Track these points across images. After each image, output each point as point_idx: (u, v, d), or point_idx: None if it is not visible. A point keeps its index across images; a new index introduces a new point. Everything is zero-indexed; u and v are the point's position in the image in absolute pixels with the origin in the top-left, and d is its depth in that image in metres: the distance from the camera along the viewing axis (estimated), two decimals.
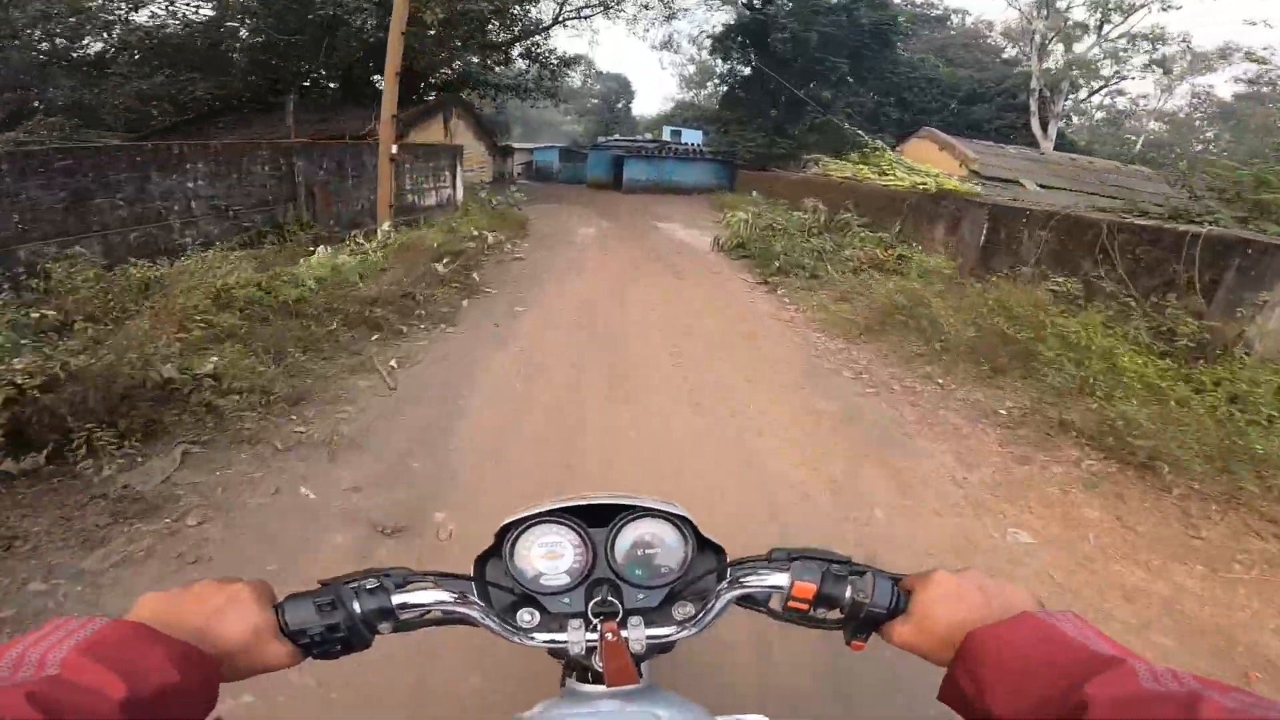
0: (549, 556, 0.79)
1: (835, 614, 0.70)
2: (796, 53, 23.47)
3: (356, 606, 0.66)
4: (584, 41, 64.42)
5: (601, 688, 0.71)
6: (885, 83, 25.89)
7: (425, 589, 0.71)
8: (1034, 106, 25.21)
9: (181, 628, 0.57)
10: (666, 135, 35.91)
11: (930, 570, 0.67)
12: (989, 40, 39.81)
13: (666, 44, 42.10)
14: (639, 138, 43.43)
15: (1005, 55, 34.39)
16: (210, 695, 0.55)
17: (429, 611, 0.71)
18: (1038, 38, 25.21)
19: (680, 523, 0.80)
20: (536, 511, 0.79)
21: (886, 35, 24.25)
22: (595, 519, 0.81)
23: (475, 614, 0.72)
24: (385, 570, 0.71)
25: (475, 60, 26.87)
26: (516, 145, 49.90)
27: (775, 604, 0.73)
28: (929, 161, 16.17)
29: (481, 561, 0.82)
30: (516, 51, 25.67)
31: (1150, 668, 0.46)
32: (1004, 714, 0.51)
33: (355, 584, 0.68)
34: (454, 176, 14.69)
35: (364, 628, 0.67)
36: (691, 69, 70.72)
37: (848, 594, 0.67)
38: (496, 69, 27.03)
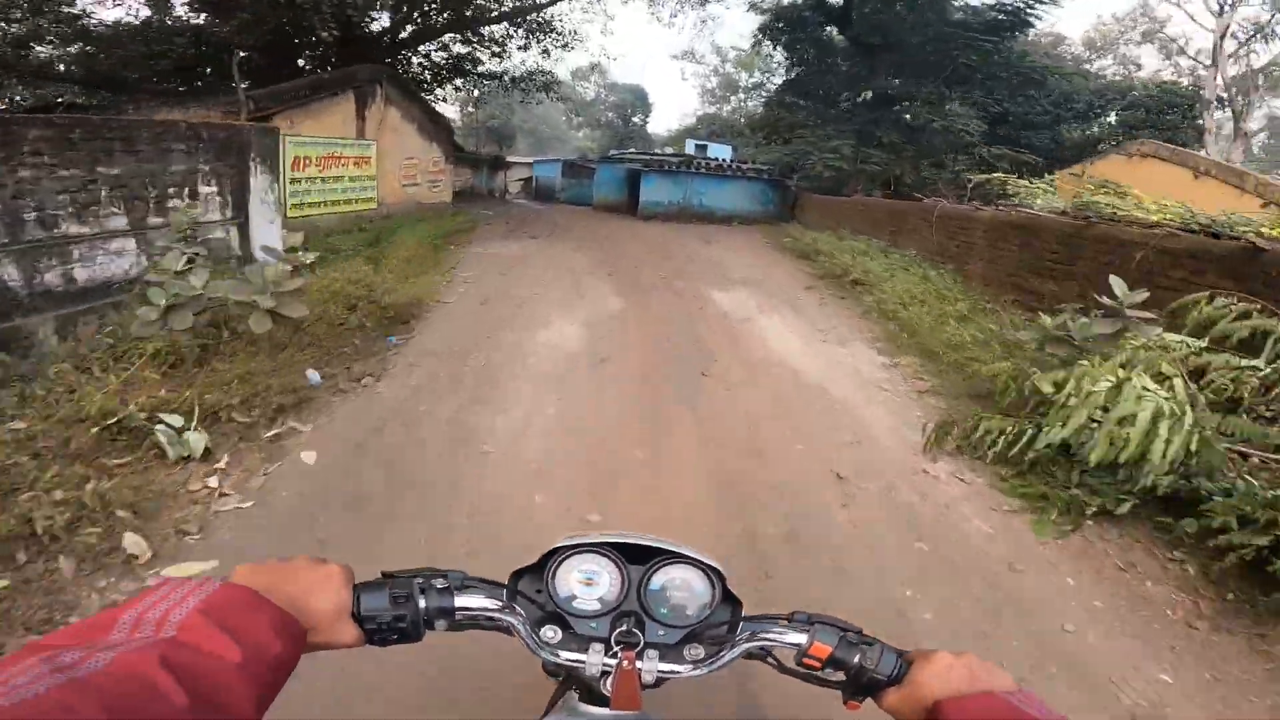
0: (586, 583, 0.83)
1: (839, 676, 0.75)
2: (889, 39, 16.44)
3: (423, 602, 0.72)
4: (596, 28, 57.29)
5: (604, 710, 0.71)
6: (999, 85, 18.67)
7: (479, 594, 0.77)
8: (1209, 121, 18.06)
9: (279, 596, 0.59)
10: (690, 150, 28.79)
11: (934, 650, 0.71)
12: (1071, 49, 33.25)
13: (689, 52, 35.02)
14: (658, 151, 36.20)
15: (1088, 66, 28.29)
16: (295, 662, 0.58)
17: (478, 616, 0.77)
18: (1224, 39, 18.03)
19: (712, 573, 0.83)
20: (584, 542, 0.82)
21: (1013, 24, 17.10)
22: (634, 556, 0.84)
23: (516, 623, 0.78)
24: (444, 571, 0.77)
25: (453, 36, 20.13)
26: (514, 159, 43.17)
27: (786, 658, 0.79)
28: (1156, 188, 8.94)
29: (518, 575, 0.84)
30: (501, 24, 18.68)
31: None
32: None
33: (423, 580, 0.74)
34: (238, 197, 6.66)
35: (423, 623, 0.72)
36: (714, 81, 64.63)
37: (856, 660, 0.73)
38: (479, 46, 20.20)
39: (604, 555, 0.84)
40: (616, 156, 28.20)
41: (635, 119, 63.88)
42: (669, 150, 35.98)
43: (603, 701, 0.75)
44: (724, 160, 23.61)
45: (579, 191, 30.81)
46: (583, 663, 0.77)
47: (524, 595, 0.84)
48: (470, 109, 74.67)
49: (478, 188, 29.49)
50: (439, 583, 0.74)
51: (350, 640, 0.68)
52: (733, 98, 61.70)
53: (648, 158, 26.10)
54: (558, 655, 0.78)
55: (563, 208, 25.74)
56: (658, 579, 0.84)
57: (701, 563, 0.83)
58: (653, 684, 0.78)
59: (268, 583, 0.61)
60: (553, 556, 0.83)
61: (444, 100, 25.22)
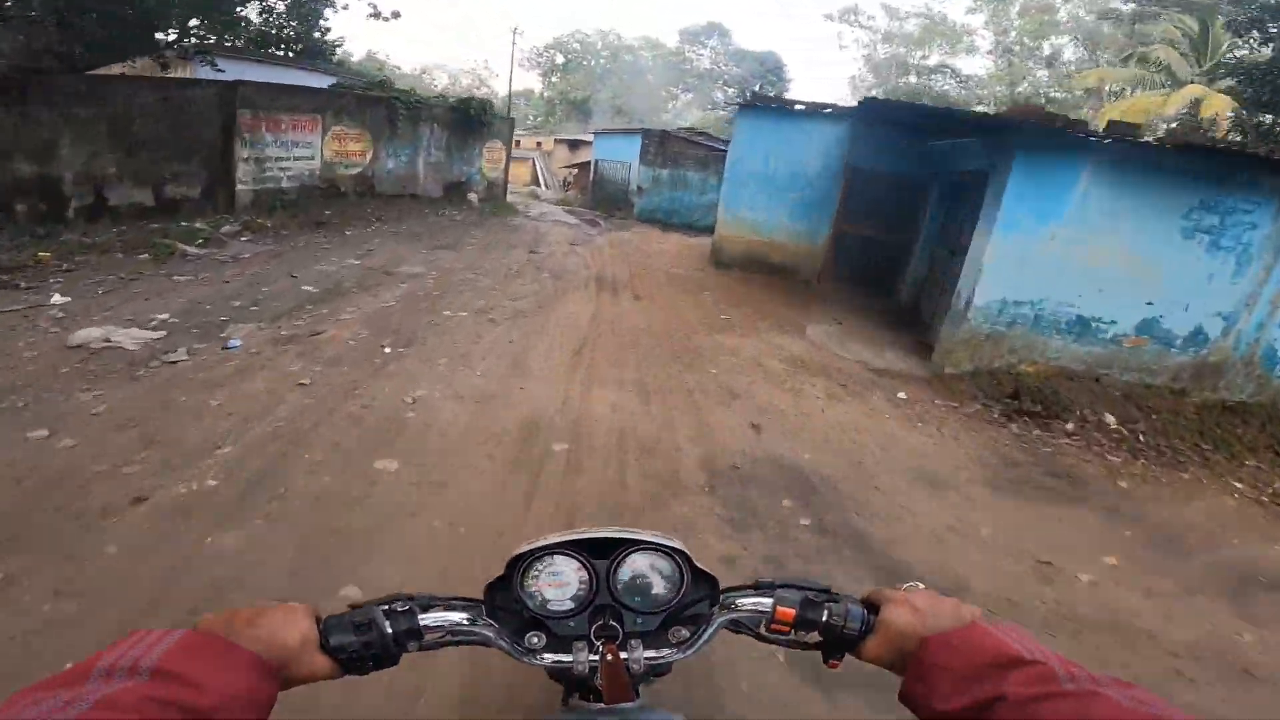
0: (555, 585, 0.84)
1: (814, 637, 0.77)
2: None
3: (388, 627, 0.72)
4: None
5: (601, 705, 0.76)
6: None
7: (448, 611, 0.78)
8: None
9: (246, 639, 0.60)
10: None
11: (891, 590, 0.75)
12: None
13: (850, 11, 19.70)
14: None
15: None
16: (272, 700, 0.58)
17: (450, 632, 0.77)
18: None
19: (677, 555, 0.84)
20: (544, 544, 0.83)
21: None
22: (598, 551, 0.85)
23: (491, 635, 0.80)
24: (411, 594, 0.77)
25: None
26: (566, 137, 26.55)
27: (761, 628, 0.80)
28: None
29: (492, 588, 0.85)
30: None
31: (1069, 671, 0.53)
32: (943, 708, 0.57)
33: (387, 606, 0.73)
34: None
35: (394, 646, 0.72)
36: (883, 50, 46.08)
37: (824, 617, 0.74)
38: None
39: (565, 554, 0.84)
40: (776, 107, 10.57)
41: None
42: None
43: (602, 698, 0.76)
44: None
45: (678, 202, 13.51)
46: (569, 662, 0.78)
47: (500, 607, 0.84)
48: (552, 77, 59.54)
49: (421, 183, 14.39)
50: (400, 605, 0.74)
51: (325, 671, 0.68)
52: (905, 78, 43.48)
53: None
54: (544, 659, 0.80)
55: (650, 238, 14.32)
56: (624, 569, 0.84)
57: (664, 546, 0.84)
58: (643, 673, 0.79)
59: (234, 627, 0.62)
60: (516, 564, 0.83)
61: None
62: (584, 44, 60.99)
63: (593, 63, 59.62)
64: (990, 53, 39.85)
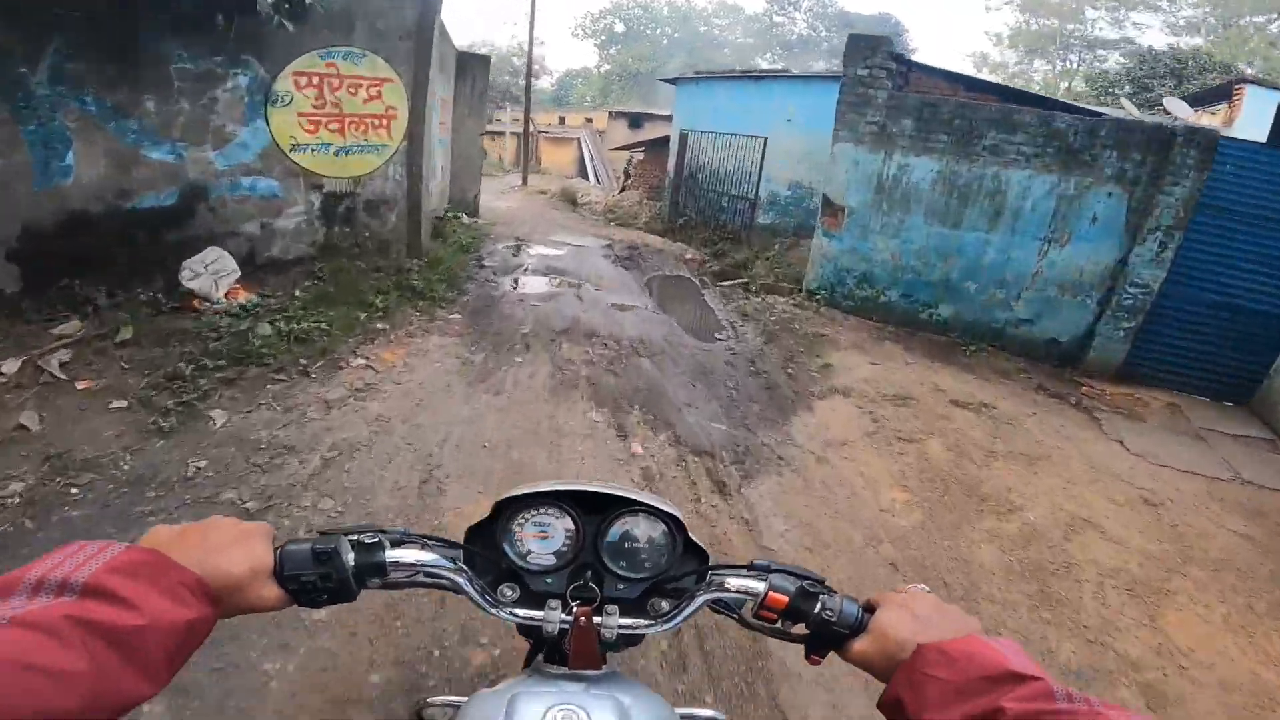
0: (540, 536, 0.80)
1: (800, 628, 0.72)
2: None
3: (350, 559, 0.65)
4: None
5: (566, 669, 0.73)
6: None
7: (416, 549, 0.71)
8: None
9: (189, 559, 0.56)
10: None
11: (892, 593, 0.70)
12: None
13: None
14: None
15: None
16: (208, 627, 0.56)
17: (417, 573, 0.71)
18: None
19: (671, 523, 0.80)
20: (535, 491, 0.79)
21: None
22: (590, 507, 0.81)
23: (461, 581, 0.73)
24: (383, 528, 0.71)
25: None
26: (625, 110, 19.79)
27: (746, 612, 0.75)
28: None
29: (474, 531, 0.82)
30: None
31: (1067, 691, 0.51)
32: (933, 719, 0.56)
33: (354, 536, 0.68)
34: None
35: (353, 581, 0.66)
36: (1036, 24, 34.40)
37: (815, 610, 0.69)
38: None
39: (556, 506, 0.80)
40: None
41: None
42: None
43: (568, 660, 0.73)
44: None
45: (939, 247, 6.30)
46: (540, 620, 0.74)
47: (480, 553, 0.79)
48: (610, 49, 50.12)
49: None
50: (368, 538, 0.68)
51: (273, 602, 0.63)
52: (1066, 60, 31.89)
53: None
54: (514, 614, 0.75)
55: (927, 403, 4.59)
56: (615, 530, 0.81)
57: (660, 511, 0.80)
58: (614, 640, 0.75)
59: (178, 545, 0.58)
60: (503, 509, 0.79)
61: None
62: (648, 9, 51.57)
63: (658, 31, 50.73)
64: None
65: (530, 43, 17.78)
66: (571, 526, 0.79)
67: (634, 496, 0.80)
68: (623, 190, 15.26)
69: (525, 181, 18.03)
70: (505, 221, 10.32)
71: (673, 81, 12.32)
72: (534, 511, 0.79)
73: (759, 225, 9.69)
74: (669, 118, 24.60)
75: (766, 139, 9.00)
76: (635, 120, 25.22)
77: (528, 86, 18.51)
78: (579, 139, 24.30)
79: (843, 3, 45.78)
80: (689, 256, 8.85)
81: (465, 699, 0.74)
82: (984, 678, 0.54)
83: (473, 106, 8.84)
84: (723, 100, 10.89)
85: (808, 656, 0.72)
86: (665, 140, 13.74)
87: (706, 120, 10.95)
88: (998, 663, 0.55)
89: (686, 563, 0.81)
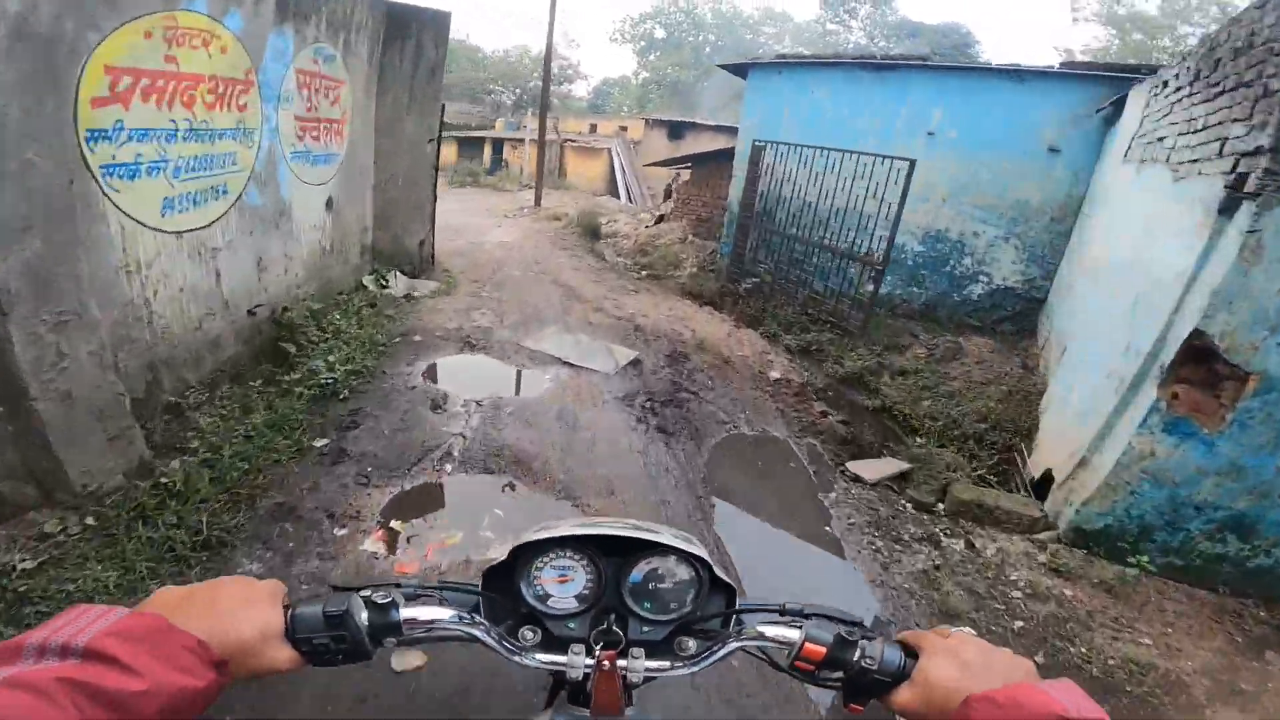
0: (559, 580, 0.77)
1: (837, 674, 0.68)
2: None
3: (364, 619, 0.63)
4: None
5: (588, 715, 0.72)
6: None
7: (432, 604, 0.70)
8: None
9: (195, 623, 0.55)
10: None
11: (933, 632, 0.67)
12: None
13: None
14: None
15: None
16: (214, 692, 0.54)
17: (434, 627, 0.69)
18: None
19: (696, 563, 0.77)
20: (552, 536, 0.76)
21: None
22: (611, 548, 0.78)
23: (478, 633, 0.71)
24: (396, 580, 0.69)
25: None
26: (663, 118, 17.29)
27: (780, 658, 0.72)
28: None
29: (490, 575, 0.78)
30: None
31: None
32: None
33: (367, 594, 0.66)
34: None
35: (368, 642, 0.64)
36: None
37: (854, 658, 0.66)
38: None
39: (577, 550, 0.76)
40: None
41: None
42: None
43: (589, 702, 0.71)
44: None
45: None
46: (564, 665, 0.72)
47: (498, 598, 0.77)
48: (650, 55, 47.05)
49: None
50: (380, 596, 0.65)
51: (286, 664, 0.61)
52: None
53: None
54: (535, 659, 0.73)
55: None
56: (637, 570, 0.77)
57: (684, 552, 0.76)
58: (640, 683, 0.73)
59: (185, 609, 0.56)
60: (521, 554, 0.76)
61: None
62: (690, 14, 48.73)
63: (700, 38, 47.78)
64: None
65: (550, 27, 14.35)
66: (592, 569, 0.76)
67: (657, 539, 0.76)
68: (660, 220, 11.67)
69: (539, 202, 14.53)
70: (477, 279, 6.80)
71: (739, 69, 8.58)
72: (553, 555, 0.76)
73: (864, 299, 6.00)
74: (719, 129, 20.89)
75: (913, 162, 5.30)
76: (676, 129, 21.68)
77: (545, 85, 15.05)
78: (610, 149, 20.84)
79: (905, 10, 41.96)
80: (775, 374, 5.13)
81: None
82: None
83: (416, 95, 5.36)
84: (822, 99, 7.23)
85: (847, 704, 0.68)
86: (718, 156, 10.09)
87: (793, 127, 7.29)
88: (1052, 710, 0.52)
89: (713, 601, 0.78)
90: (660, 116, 22.98)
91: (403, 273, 5.66)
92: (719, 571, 0.77)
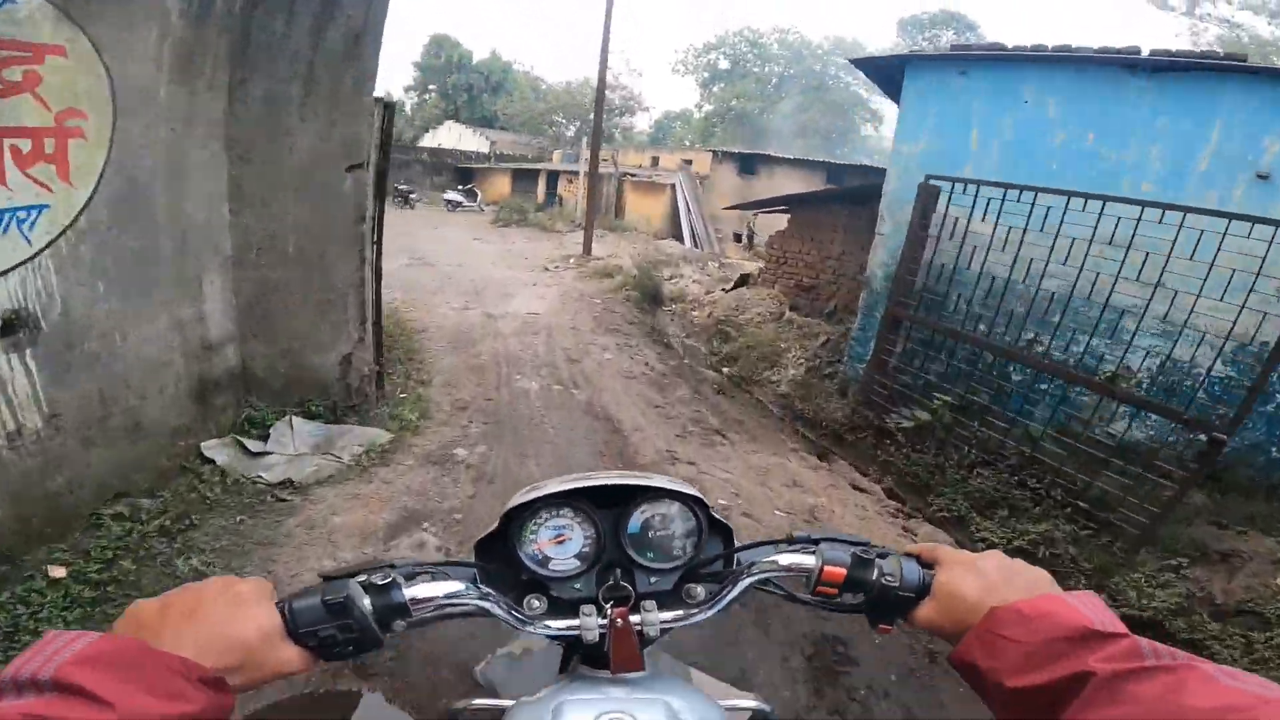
0: (557, 541, 0.74)
1: (857, 597, 0.67)
2: None
3: (367, 604, 0.58)
4: None
5: (608, 674, 0.68)
6: None
7: (435, 580, 0.65)
8: None
9: (176, 639, 0.49)
10: None
11: (951, 549, 0.66)
12: None
13: None
14: None
15: None
16: (217, 712, 0.48)
17: (441, 606, 0.64)
18: None
19: (693, 503, 0.75)
20: (542, 494, 0.73)
21: None
22: (603, 500, 0.75)
23: (488, 605, 0.67)
24: (389, 561, 0.64)
25: None
26: (733, 150, 19.19)
27: (798, 588, 0.71)
28: None
29: (483, 545, 0.74)
30: None
31: (1153, 645, 0.49)
32: (1015, 684, 0.52)
33: (364, 578, 0.61)
34: None
35: (377, 627, 0.59)
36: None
37: (874, 576, 0.64)
38: None
39: (569, 507, 0.74)
40: None
41: None
42: None
43: (607, 662, 0.68)
44: None
45: None
46: (577, 629, 0.68)
47: (495, 566, 0.73)
48: (714, 86, 45.36)
49: None
50: (379, 577, 0.60)
51: (296, 664, 0.55)
52: None
53: None
54: (547, 626, 0.69)
55: None
56: (634, 520, 0.75)
57: (679, 493, 0.75)
58: (657, 636, 0.70)
59: (163, 626, 0.50)
60: (512, 519, 0.72)
61: None
62: (755, 44, 46.85)
63: (766, 69, 45.70)
64: None
65: (604, 47, 12.01)
66: (589, 524, 0.74)
67: (648, 483, 0.74)
68: (742, 282, 8.92)
69: (588, 250, 12.03)
70: (465, 400, 4.21)
71: (898, 63, 5.52)
72: (545, 515, 0.73)
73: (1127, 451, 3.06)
74: (798, 163, 18.11)
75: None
76: (747, 163, 19.07)
77: (599, 100, 12.62)
78: (673, 185, 18.39)
79: (991, 37, 38.36)
80: None
81: (501, 703, 0.72)
82: (1066, 638, 0.51)
83: (319, 85, 2.78)
84: (1043, 114, 4.40)
85: (874, 626, 0.67)
86: (833, 199, 7.35)
87: (989, 158, 4.49)
88: (1079, 622, 0.52)
89: (713, 544, 0.77)
90: (729, 149, 20.45)
91: (309, 415, 3.12)
92: (715, 513, 0.75)
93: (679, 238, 17.34)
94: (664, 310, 8.27)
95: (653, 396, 4.90)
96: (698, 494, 0.74)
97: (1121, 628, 0.51)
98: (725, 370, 5.94)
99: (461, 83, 41.61)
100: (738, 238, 18.51)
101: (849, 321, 6.19)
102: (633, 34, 65.24)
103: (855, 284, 6.62)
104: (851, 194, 6.49)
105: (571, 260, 11.29)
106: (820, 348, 6.06)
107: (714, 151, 20.09)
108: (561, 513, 0.73)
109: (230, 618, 0.52)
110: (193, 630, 0.49)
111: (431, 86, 42.97)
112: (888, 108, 37.54)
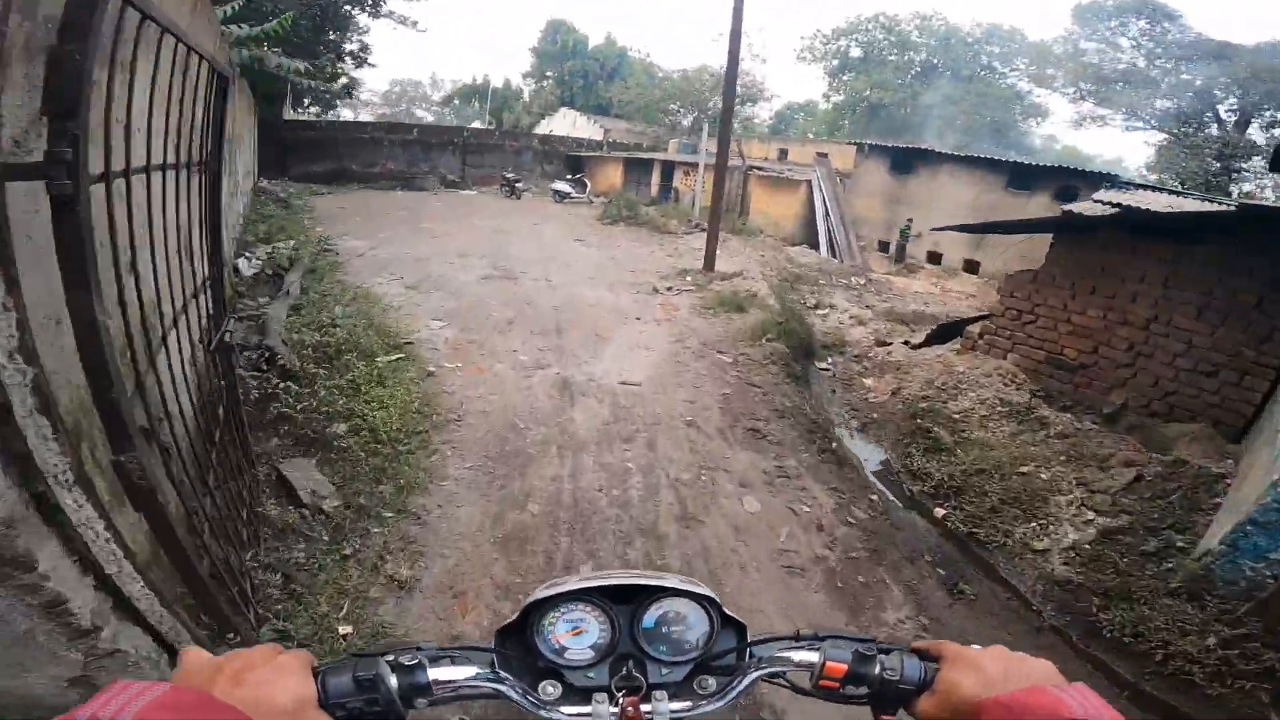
0: (573, 633, 0.77)
1: (861, 690, 0.71)
2: None
3: (394, 682, 0.64)
4: None
5: None
6: None
7: (457, 664, 0.71)
8: None
9: (232, 696, 0.54)
10: None
11: (957, 645, 0.68)
12: None
13: None
14: None
15: None
16: None
17: (461, 688, 0.71)
18: None
19: (705, 602, 0.78)
20: (561, 591, 0.76)
21: None
22: (621, 597, 0.78)
23: (504, 689, 0.73)
24: (416, 644, 0.70)
25: None
26: (882, 143, 16.57)
27: (803, 681, 0.75)
28: None
29: (504, 634, 0.78)
30: None
31: None
32: None
33: (392, 657, 0.66)
34: None
35: (401, 704, 0.64)
36: None
37: (876, 671, 0.69)
38: None
39: (587, 602, 0.77)
40: None
41: None
42: None
43: None
44: None
45: None
46: (589, 716, 0.72)
47: (513, 653, 0.76)
48: (844, 75, 41.64)
49: None
50: (407, 658, 0.66)
51: None
52: None
53: None
54: (561, 712, 0.73)
55: None
56: (649, 616, 0.78)
57: (691, 593, 0.78)
58: None
59: (219, 681, 0.55)
60: (532, 612, 0.76)
61: None
62: (892, 30, 42.47)
63: (906, 57, 41.18)
64: None
65: (738, 14, 9.63)
66: (603, 618, 0.77)
67: (664, 583, 0.77)
68: (940, 339, 6.37)
69: (711, 263, 9.77)
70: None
71: None
72: (564, 609, 0.76)
73: None
74: (977, 162, 14.83)
75: None
76: (902, 160, 16.09)
77: (729, 88, 10.26)
78: (810, 182, 15.77)
79: (1196, 24, 31.69)
80: None
81: None
82: None
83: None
84: None
85: (877, 717, 0.71)
86: (1144, 229, 4.74)
87: None
88: (1062, 714, 0.54)
89: (726, 637, 0.80)
90: (879, 142, 17.44)
91: None
92: (728, 610, 0.79)
93: (814, 245, 14.76)
94: (818, 367, 5.94)
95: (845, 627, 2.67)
96: (710, 594, 0.76)
97: (1110, 717, 0.52)
98: (942, 513, 3.57)
99: (577, 69, 40.42)
100: (884, 247, 15.61)
101: (1152, 430, 3.65)
102: (759, 18, 61.68)
103: (1172, 371, 4.03)
104: (1213, 223, 3.86)
105: (689, 278, 9.09)
106: (1125, 491, 3.55)
107: (858, 144, 17.17)
108: (579, 607, 0.75)
109: (272, 684, 0.56)
110: (240, 692, 0.54)
111: (548, 73, 42.12)
112: (1053, 102, 32.25)
